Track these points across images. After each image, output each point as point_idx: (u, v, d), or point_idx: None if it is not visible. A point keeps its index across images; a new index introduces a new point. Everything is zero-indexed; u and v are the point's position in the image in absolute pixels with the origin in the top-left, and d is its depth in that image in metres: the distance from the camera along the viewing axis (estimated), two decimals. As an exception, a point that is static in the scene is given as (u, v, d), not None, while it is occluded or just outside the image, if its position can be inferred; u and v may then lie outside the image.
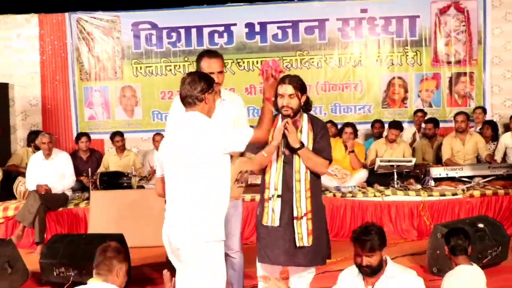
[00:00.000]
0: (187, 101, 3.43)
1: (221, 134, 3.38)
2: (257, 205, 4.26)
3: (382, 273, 3.73)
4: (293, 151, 4.01)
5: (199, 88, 3.41)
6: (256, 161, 4.00)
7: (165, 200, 3.59)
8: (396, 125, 8.48)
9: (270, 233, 4.02)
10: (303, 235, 3.93)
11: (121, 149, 8.90)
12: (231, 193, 3.55)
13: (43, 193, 7.32)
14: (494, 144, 8.74)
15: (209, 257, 3.34)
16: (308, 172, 3.97)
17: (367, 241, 3.65)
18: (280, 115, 4.07)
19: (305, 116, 4.17)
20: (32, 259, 6.00)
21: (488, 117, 9.51)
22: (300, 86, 4.05)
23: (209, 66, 4.16)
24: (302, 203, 3.93)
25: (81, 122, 10.36)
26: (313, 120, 4.14)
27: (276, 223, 3.96)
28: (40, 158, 7.73)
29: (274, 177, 3.98)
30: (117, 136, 8.93)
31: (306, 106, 4.14)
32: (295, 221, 3.92)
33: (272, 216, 3.96)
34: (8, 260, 5.32)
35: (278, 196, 3.95)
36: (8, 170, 8.69)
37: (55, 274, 5.46)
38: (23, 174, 8.10)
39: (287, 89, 3.97)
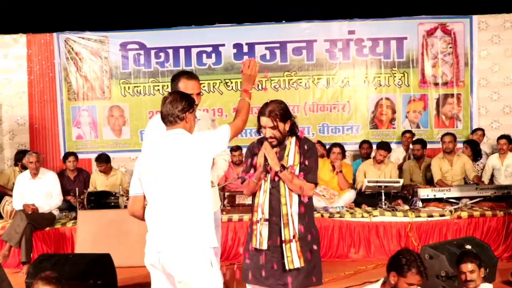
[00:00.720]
0: (168, 119, 3.45)
1: (203, 142, 3.45)
2: (246, 225, 4.40)
3: None
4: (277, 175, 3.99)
5: (180, 107, 3.43)
6: (246, 187, 4.05)
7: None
8: (384, 146, 8.53)
9: (258, 255, 3.97)
10: (293, 257, 3.86)
11: (105, 171, 8.86)
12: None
13: (30, 212, 7.29)
14: (478, 165, 8.79)
15: (208, 266, 3.34)
16: (295, 195, 3.93)
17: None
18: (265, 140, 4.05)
19: (292, 139, 4.13)
20: (18, 279, 5.96)
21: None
22: (280, 115, 3.98)
23: (186, 87, 4.17)
24: (289, 227, 3.87)
25: (69, 141, 10.29)
26: (301, 142, 4.10)
27: (264, 246, 3.92)
28: (27, 177, 7.70)
29: (261, 201, 3.95)
30: (99, 161, 8.90)
31: (292, 131, 4.08)
32: (283, 244, 3.87)
33: (260, 239, 3.92)
34: (-7, 280, 5.28)
35: (265, 220, 3.91)
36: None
37: (40, 295, 5.38)
38: (9, 194, 8.07)
39: (267, 122, 3.94)
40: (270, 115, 3.93)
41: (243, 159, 4.13)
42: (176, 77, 4.30)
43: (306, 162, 4.03)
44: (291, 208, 3.90)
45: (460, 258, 4.68)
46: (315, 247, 4.03)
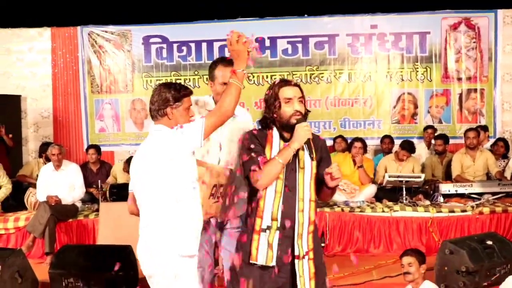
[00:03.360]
0: (151, 114, 3.30)
1: (176, 140, 3.15)
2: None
3: None
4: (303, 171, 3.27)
5: (160, 101, 3.24)
6: (265, 171, 3.12)
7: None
8: (408, 147, 8.46)
9: (259, 273, 3.18)
10: (305, 278, 3.18)
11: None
12: (206, 209, 3.35)
13: (53, 204, 7.40)
14: (504, 161, 8.71)
15: (178, 274, 3.15)
16: (313, 201, 3.24)
17: None
18: (273, 129, 3.30)
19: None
20: (42, 270, 6.06)
21: (498, 134, 9.56)
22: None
23: (224, 75, 3.69)
24: (303, 239, 3.18)
25: (92, 134, 10.41)
26: (313, 136, 3.32)
27: (273, 261, 3.14)
28: (50, 169, 7.82)
29: (272, 204, 3.16)
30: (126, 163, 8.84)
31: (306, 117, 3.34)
32: (296, 261, 3.16)
33: (267, 252, 3.13)
34: (18, 270, 5.41)
35: (277, 228, 3.15)
36: (17, 181, 8.77)
37: (64, 285, 5.48)
38: (33, 185, 8.19)
39: (296, 91, 3.25)
40: (297, 84, 3.34)
41: (244, 143, 3.25)
42: (213, 64, 3.89)
43: (325, 163, 3.35)
44: (308, 216, 3.20)
45: (403, 252, 4.84)
46: (323, 267, 3.36)
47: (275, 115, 3.24)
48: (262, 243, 3.16)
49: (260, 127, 3.37)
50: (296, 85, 3.29)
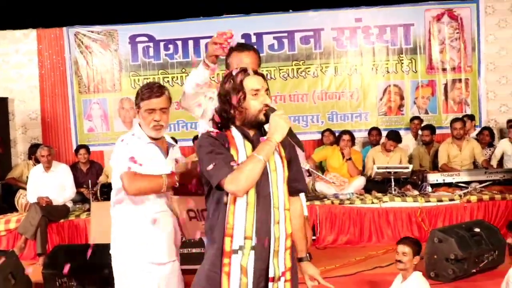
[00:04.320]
0: None
1: (115, 149, 3.21)
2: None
3: None
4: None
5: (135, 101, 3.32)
6: (245, 172, 2.52)
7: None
8: (394, 137, 8.54)
9: None
10: None
11: None
12: (185, 231, 3.25)
13: (44, 205, 7.42)
14: (490, 150, 8.82)
15: (133, 281, 3.16)
16: (288, 210, 2.70)
17: None
18: (231, 129, 2.73)
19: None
20: (34, 270, 6.07)
21: (484, 123, 9.67)
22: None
23: (239, 61, 3.27)
24: (280, 257, 2.64)
25: (81, 134, 10.41)
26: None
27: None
28: (40, 170, 7.83)
29: (245, 217, 2.57)
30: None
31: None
32: (270, 284, 2.63)
33: (240, 279, 2.55)
34: (11, 271, 5.41)
35: (251, 247, 2.57)
36: (7, 183, 8.78)
37: (57, 285, 5.52)
38: (23, 187, 8.21)
39: (261, 82, 2.71)
40: (261, 73, 2.78)
41: (202, 149, 2.64)
42: (229, 52, 3.38)
43: (294, 165, 2.89)
44: (285, 228, 2.67)
45: (401, 239, 4.79)
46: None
47: (237, 111, 2.68)
48: (234, 269, 2.56)
49: (212, 129, 2.75)
50: (261, 74, 2.75)
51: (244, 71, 2.70)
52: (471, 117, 9.49)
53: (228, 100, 2.68)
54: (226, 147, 2.65)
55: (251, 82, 2.67)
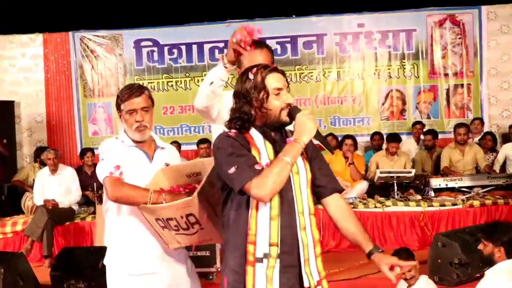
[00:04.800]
0: None
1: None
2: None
3: None
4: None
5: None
6: (272, 176, 2.34)
7: None
8: (394, 138, 8.64)
9: None
10: None
11: None
12: (165, 240, 3.02)
13: (50, 207, 7.49)
14: (492, 155, 8.89)
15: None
16: (313, 215, 2.53)
17: None
18: (250, 130, 2.54)
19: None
20: (41, 272, 6.15)
21: (486, 128, 9.68)
22: None
23: (251, 59, 3.03)
24: (312, 265, 2.46)
25: (85, 137, 10.48)
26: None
27: None
28: (46, 173, 7.92)
29: (269, 224, 2.40)
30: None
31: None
32: None
33: None
34: (19, 273, 5.50)
35: (277, 255, 2.39)
36: (13, 186, 8.86)
37: (65, 286, 5.61)
38: (29, 190, 8.29)
39: (283, 80, 2.57)
40: (282, 70, 2.62)
41: (221, 151, 2.46)
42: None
43: (322, 164, 2.70)
44: (312, 234, 2.49)
45: (398, 253, 4.52)
46: None
47: (258, 111, 2.51)
48: (259, 278, 2.38)
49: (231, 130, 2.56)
50: (281, 71, 2.59)
51: (264, 67, 2.54)
52: (482, 121, 9.57)
53: (248, 100, 2.50)
54: (246, 148, 2.46)
55: (273, 80, 2.50)
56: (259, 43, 3.11)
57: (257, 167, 2.38)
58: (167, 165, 3.17)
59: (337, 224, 2.62)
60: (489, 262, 4.00)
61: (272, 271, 2.37)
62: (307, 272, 2.43)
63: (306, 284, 2.42)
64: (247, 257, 2.39)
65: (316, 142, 2.63)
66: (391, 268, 2.41)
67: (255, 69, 2.54)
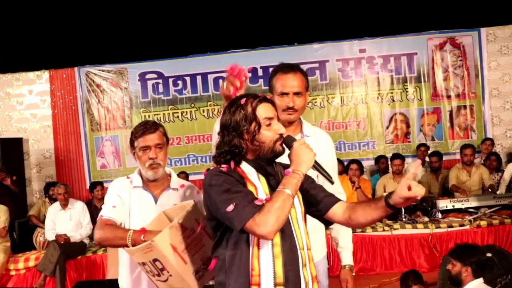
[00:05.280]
0: None
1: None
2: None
3: None
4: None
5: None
6: (274, 211, 2.19)
7: None
8: (397, 156, 8.75)
9: None
10: None
11: None
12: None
13: (62, 242, 7.56)
14: (498, 175, 8.93)
15: None
16: (310, 250, 2.44)
17: None
18: (242, 164, 2.41)
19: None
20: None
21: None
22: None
23: (283, 85, 3.01)
24: None
25: (94, 171, 10.59)
26: (281, 164, 2.55)
27: None
28: (57, 208, 8.02)
29: (273, 262, 2.27)
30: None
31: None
32: None
33: None
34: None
35: None
36: (24, 222, 8.92)
37: (79, 320, 5.67)
38: (41, 226, 8.38)
39: (273, 109, 2.45)
40: (271, 99, 2.54)
41: (215, 188, 2.29)
42: (272, 73, 3.15)
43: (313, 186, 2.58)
44: (310, 270, 2.41)
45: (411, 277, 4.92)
46: None
47: (249, 144, 2.38)
48: None
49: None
50: (270, 100, 2.48)
51: (253, 97, 2.40)
52: (492, 141, 9.63)
53: (239, 132, 2.36)
54: (242, 184, 2.31)
55: (264, 110, 2.37)
56: (292, 66, 3.07)
57: (257, 203, 2.23)
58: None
59: (351, 221, 2.47)
60: (456, 281, 4.27)
61: None
62: None
63: None
64: None
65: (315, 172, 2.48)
66: (409, 188, 2.24)
67: (244, 99, 2.39)
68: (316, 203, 2.51)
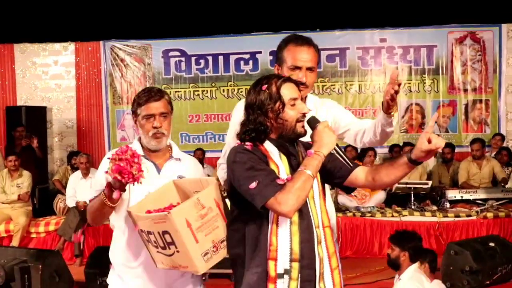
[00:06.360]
0: None
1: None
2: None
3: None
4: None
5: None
6: (295, 191, 2.28)
7: None
8: (407, 144, 9.11)
9: None
10: None
11: None
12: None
13: (82, 209, 7.83)
14: (508, 169, 9.07)
15: None
16: (329, 228, 2.50)
17: None
18: (265, 142, 2.48)
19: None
20: (72, 270, 6.48)
21: (504, 143, 9.85)
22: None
23: (294, 58, 2.89)
24: (326, 280, 2.43)
25: (114, 143, 10.84)
26: (303, 143, 2.60)
27: None
28: (78, 177, 8.30)
29: (290, 239, 2.36)
30: None
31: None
32: None
33: None
34: (56, 269, 5.80)
35: (299, 270, 2.36)
36: (44, 188, 9.24)
37: (98, 283, 5.95)
38: (62, 192, 8.68)
39: (297, 90, 2.51)
40: (293, 80, 2.55)
41: (239, 165, 2.38)
42: (282, 43, 3.02)
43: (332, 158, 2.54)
44: (326, 247, 2.46)
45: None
46: None
47: (274, 122, 2.45)
48: None
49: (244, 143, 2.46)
50: (296, 81, 2.54)
51: (278, 78, 2.47)
52: (502, 136, 9.81)
53: (264, 111, 2.42)
54: (264, 162, 2.39)
55: (288, 91, 2.44)
56: (306, 40, 2.95)
57: (279, 182, 2.31)
58: (181, 178, 2.85)
59: (376, 182, 2.51)
60: (395, 265, 4.56)
61: (295, 287, 2.34)
62: (321, 287, 2.40)
63: None
64: (268, 273, 2.35)
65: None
66: (429, 141, 2.29)
67: (268, 79, 2.47)
68: (336, 171, 2.56)
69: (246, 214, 2.41)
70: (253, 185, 2.29)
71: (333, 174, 2.57)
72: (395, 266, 4.57)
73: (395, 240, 4.52)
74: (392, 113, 2.87)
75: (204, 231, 2.46)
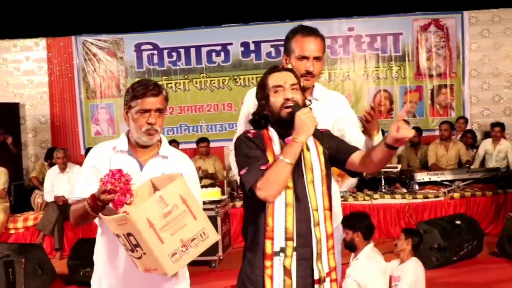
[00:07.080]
0: None
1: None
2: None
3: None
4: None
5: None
6: (271, 177, 2.45)
7: None
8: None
9: None
10: None
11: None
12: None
13: (60, 203, 7.97)
14: (473, 151, 9.43)
15: None
16: (328, 210, 2.61)
17: None
18: (269, 128, 2.67)
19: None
20: (54, 263, 6.61)
21: (467, 126, 10.21)
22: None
23: (302, 48, 2.99)
24: (323, 259, 2.59)
25: (88, 137, 10.93)
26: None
27: None
28: (56, 172, 8.41)
29: (284, 219, 2.53)
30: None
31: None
32: (316, 286, 2.58)
33: (284, 280, 2.52)
34: (38, 262, 5.95)
35: (293, 248, 2.53)
36: (19, 184, 9.31)
37: (81, 274, 6.11)
38: (38, 188, 8.76)
39: (287, 76, 2.63)
40: (289, 68, 2.73)
41: (236, 152, 2.67)
42: (290, 34, 3.12)
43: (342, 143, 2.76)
44: (325, 229, 2.59)
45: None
46: None
47: (267, 110, 2.63)
48: (277, 270, 2.53)
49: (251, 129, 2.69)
50: (288, 69, 2.67)
51: (271, 68, 2.64)
52: (466, 119, 10.13)
53: (259, 100, 2.67)
54: (261, 148, 2.57)
55: (272, 79, 2.60)
56: (313, 30, 3.03)
57: (262, 167, 2.47)
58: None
59: (366, 163, 2.57)
60: (351, 247, 4.75)
61: (290, 264, 2.51)
62: (318, 266, 2.55)
63: (316, 276, 2.55)
64: (265, 251, 2.53)
65: None
66: (397, 129, 2.30)
67: (266, 71, 2.67)
68: (338, 154, 2.67)
69: (247, 197, 2.64)
70: (243, 171, 2.52)
71: (336, 157, 2.68)
72: (352, 248, 4.75)
73: (345, 224, 4.52)
74: (373, 136, 3.07)
75: (169, 230, 2.35)
